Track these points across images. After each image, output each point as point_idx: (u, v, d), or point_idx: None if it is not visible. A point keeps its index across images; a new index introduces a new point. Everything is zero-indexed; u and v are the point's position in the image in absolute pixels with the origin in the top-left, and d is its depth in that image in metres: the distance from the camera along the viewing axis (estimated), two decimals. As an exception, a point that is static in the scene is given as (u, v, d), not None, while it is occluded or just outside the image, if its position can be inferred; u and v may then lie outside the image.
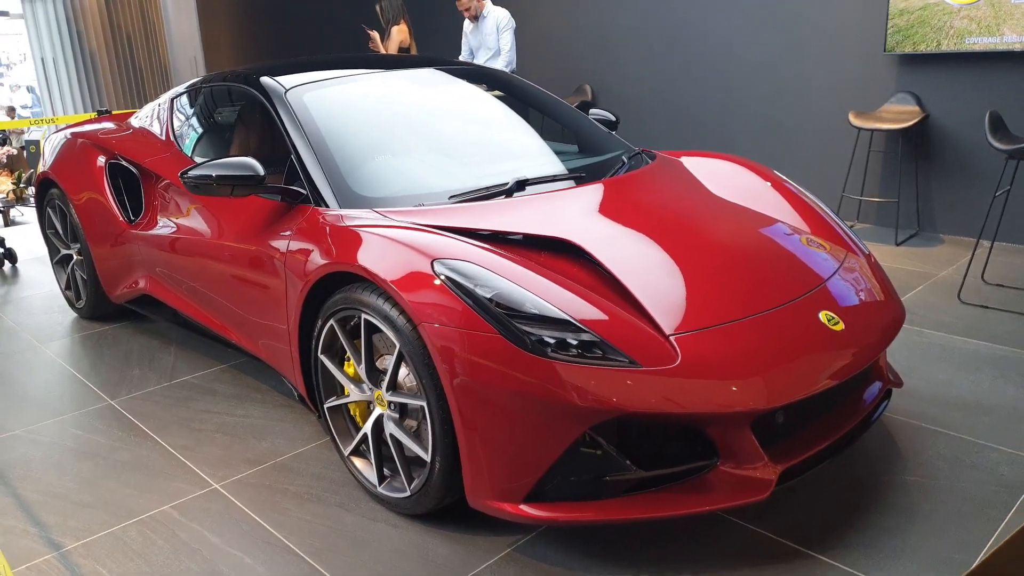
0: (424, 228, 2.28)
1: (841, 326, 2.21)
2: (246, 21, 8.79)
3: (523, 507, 2.00)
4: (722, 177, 2.99)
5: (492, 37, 5.90)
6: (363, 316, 2.22)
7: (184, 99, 3.62)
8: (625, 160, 3.03)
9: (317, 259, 2.37)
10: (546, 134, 3.44)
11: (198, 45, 8.35)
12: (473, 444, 2.00)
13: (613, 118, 3.66)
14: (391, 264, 2.14)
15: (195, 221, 3.13)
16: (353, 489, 2.47)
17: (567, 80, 6.79)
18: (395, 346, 2.15)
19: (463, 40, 6.16)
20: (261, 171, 2.53)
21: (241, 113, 3.36)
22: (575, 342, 1.95)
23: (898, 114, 4.91)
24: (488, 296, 2.00)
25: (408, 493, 2.23)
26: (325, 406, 2.50)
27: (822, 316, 2.22)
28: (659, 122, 6.27)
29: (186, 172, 2.57)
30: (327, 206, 2.53)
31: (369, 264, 2.17)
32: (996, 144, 3.66)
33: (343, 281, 2.32)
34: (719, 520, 2.24)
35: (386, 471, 2.36)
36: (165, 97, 3.75)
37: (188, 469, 2.63)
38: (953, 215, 4.99)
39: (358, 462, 2.44)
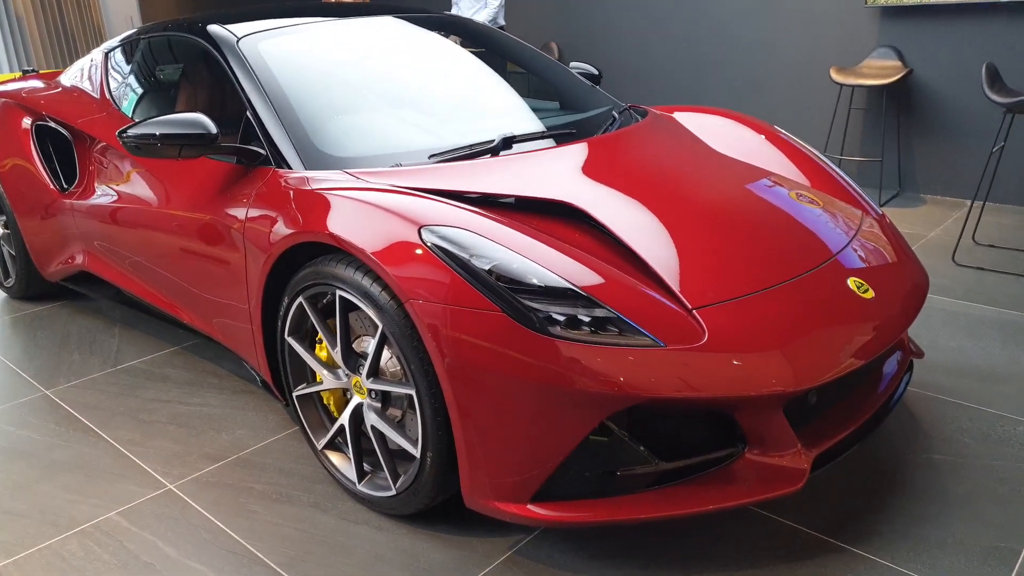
0: (406, 191, 1.99)
1: (871, 293, 2.00)
2: (186, -24, 8.22)
3: (531, 508, 1.75)
4: (721, 134, 2.75)
5: None
6: (338, 292, 1.93)
7: (119, 53, 3.23)
8: (616, 116, 2.76)
9: (281, 229, 2.07)
10: (524, 89, 3.16)
11: (134, 3, 7.79)
12: (471, 438, 1.75)
13: (596, 71, 3.39)
14: (370, 232, 1.85)
15: (138, 188, 2.78)
16: (328, 486, 2.20)
17: (531, 38, 6.43)
18: (375, 326, 1.87)
19: None
20: (213, 129, 2.20)
21: (186, 67, 3.00)
22: (588, 319, 1.70)
23: (880, 69, 4.72)
24: (486, 268, 1.73)
25: (393, 492, 1.97)
26: (294, 395, 2.21)
27: (851, 283, 2.00)
28: (629, 81, 5.99)
29: (125, 131, 2.23)
30: (290, 167, 2.21)
31: (344, 233, 1.88)
32: (993, 97, 3.49)
33: (312, 253, 2.03)
34: (740, 511, 2.03)
35: (366, 466, 2.09)
36: (98, 52, 3.34)
37: (137, 468, 2.33)
38: (936, 175, 4.85)
39: (334, 457, 2.17)
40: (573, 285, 1.73)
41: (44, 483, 2.27)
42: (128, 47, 3.19)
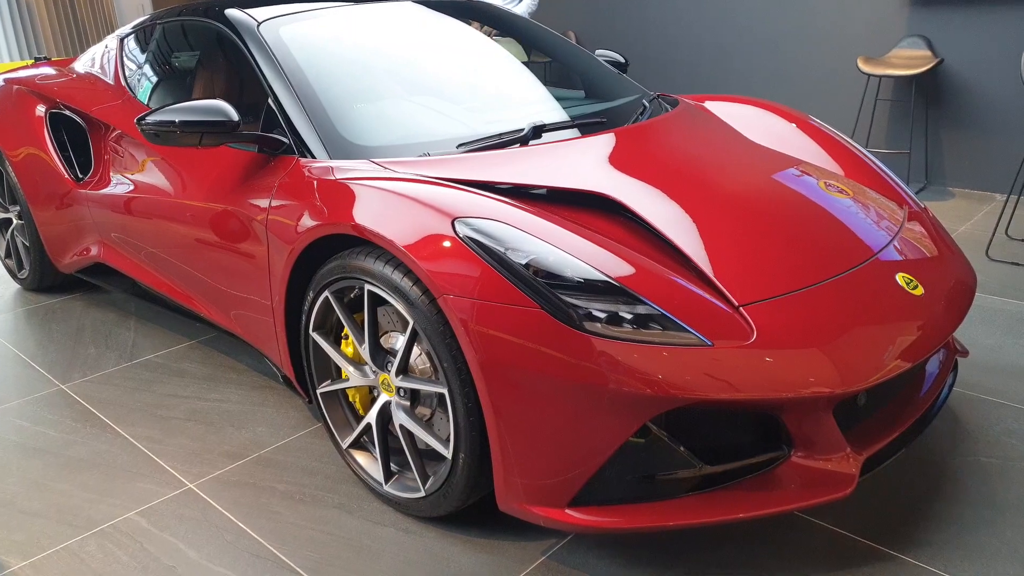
0: (436, 181, 1.91)
1: (921, 290, 1.91)
2: (198, -35, 8.14)
3: (569, 512, 1.68)
4: (755, 123, 2.65)
5: None
6: (366, 287, 1.86)
7: (134, 39, 3.15)
8: (646, 104, 2.67)
9: (306, 220, 1.99)
10: (551, 77, 3.08)
11: (146, -4, 7.73)
12: (506, 439, 1.67)
13: (622, 59, 3.30)
14: (400, 224, 1.77)
15: (155, 177, 2.70)
16: (353, 486, 2.13)
17: (549, 26, 6.36)
18: (405, 322, 1.80)
19: None
20: (235, 116, 2.13)
21: (203, 54, 2.92)
22: (630, 316, 1.62)
23: (909, 59, 4.61)
24: (523, 262, 1.65)
25: (423, 493, 1.89)
26: (318, 392, 2.14)
27: (899, 279, 1.91)
28: (653, 73, 5.89)
29: (144, 118, 2.15)
30: (313, 156, 2.13)
31: (372, 225, 1.80)
32: (1033, 88, 3.38)
33: (338, 245, 1.95)
34: (783, 517, 1.95)
35: (394, 467, 2.02)
36: (112, 38, 3.27)
37: (156, 466, 2.26)
38: (965, 168, 4.74)
39: (359, 456, 2.10)
40: (614, 280, 1.65)
41: (61, 482, 2.21)
42: (143, 33, 3.11)
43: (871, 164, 2.51)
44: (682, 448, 1.67)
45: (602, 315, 1.61)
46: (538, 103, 2.64)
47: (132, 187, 2.81)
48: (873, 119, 4.89)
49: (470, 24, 3.00)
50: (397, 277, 1.77)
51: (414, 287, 1.74)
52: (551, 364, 1.59)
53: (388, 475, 2.00)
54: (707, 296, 1.71)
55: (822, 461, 1.71)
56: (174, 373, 2.81)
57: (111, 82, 3.08)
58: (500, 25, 3.14)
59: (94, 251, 3.11)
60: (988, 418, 2.34)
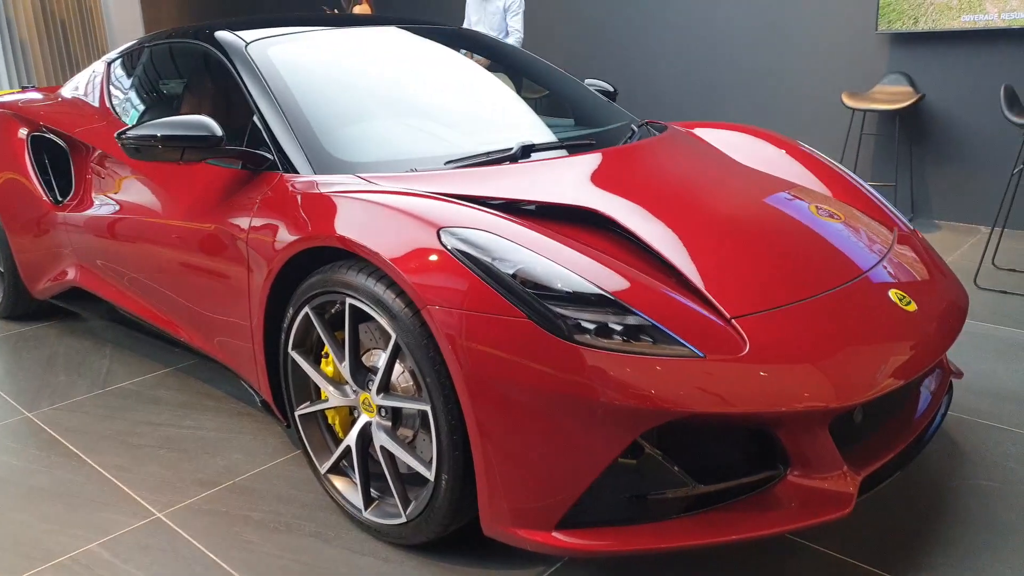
0: (422, 194, 1.86)
1: (914, 306, 1.87)
2: (192, 5, 8.20)
3: (557, 535, 1.60)
4: (744, 149, 2.64)
5: (498, 18, 5.46)
6: (348, 301, 1.79)
7: (121, 63, 3.12)
8: (634, 129, 2.66)
9: (287, 235, 1.94)
10: (541, 109, 3.07)
11: (139, 23, 7.76)
12: (491, 457, 1.60)
13: (611, 88, 3.30)
14: (384, 235, 1.72)
15: (135, 198, 2.65)
16: (331, 514, 2.03)
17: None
18: (387, 337, 1.73)
19: (466, 18, 5.68)
20: (218, 131, 2.08)
21: (191, 75, 2.89)
22: (620, 327, 1.57)
23: (892, 95, 4.66)
24: (510, 272, 1.60)
25: (404, 519, 1.81)
26: (296, 413, 2.06)
27: (892, 295, 1.88)
28: (638, 108, 5.91)
29: (124, 132, 2.11)
30: (298, 172, 2.09)
31: (355, 236, 1.75)
32: (1013, 119, 3.41)
33: (319, 262, 1.89)
34: (776, 541, 1.87)
35: (373, 492, 1.93)
36: (99, 63, 3.24)
37: (123, 495, 2.16)
38: (950, 200, 4.77)
39: (338, 482, 2.01)
40: (604, 291, 1.60)
41: (20, 512, 2.09)
42: (131, 56, 3.08)
43: (861, 188, 2.49)
44: (675, 467, 1.60)
45: (591, 326, 1.56)
46: (527, 126, 2.63)
47: (112, 208, 2.75)
48: (859, 153, 4.93)
49: (460, 51, 3.00)
50: (380, 289, 1.71)
51: (397, 299, 1.68)
52: (538, 377, 1.53)
53: (368, 501, 1.91)
54: (698, 308, 1.66)
55: (819, 480, 1.64)
56: (148, 400, 2.72)
57: (96, 105, 3.04)
58: (490, 53, 3.15)
59: (71, 275, 3.03)
60: (985, 442, 2.29)
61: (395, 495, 1.83)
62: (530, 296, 1.56)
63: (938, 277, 2.11)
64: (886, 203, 2.46)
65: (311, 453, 2.05)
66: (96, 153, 2.89)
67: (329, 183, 1.98)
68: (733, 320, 1.64)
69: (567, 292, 1.59)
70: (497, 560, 1.82)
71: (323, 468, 2.02)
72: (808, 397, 1.57)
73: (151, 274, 2.58)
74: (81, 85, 3.25)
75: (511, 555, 1.83)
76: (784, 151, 2.64)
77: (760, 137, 2.73)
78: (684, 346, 1.56)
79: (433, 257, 1.64)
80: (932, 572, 1.76)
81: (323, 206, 1.89)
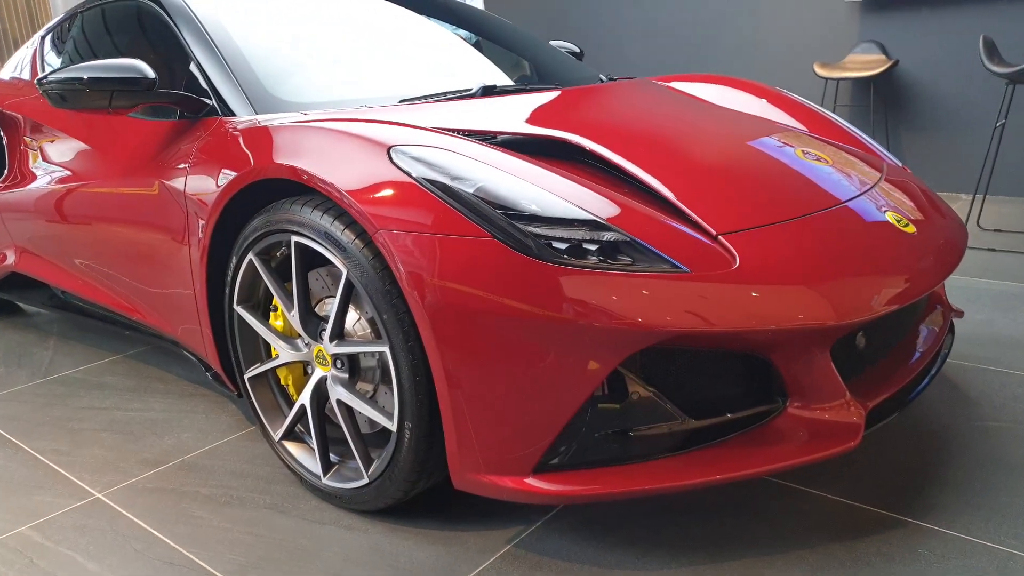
0: (372, 119, 1.70)
1: (912, 229, 1.73)
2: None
3: (531, 481, 1.43)
4: (726, 97, 2.49)
5: None
6: (294, 239, 1.62)
7: (55, 34, 2.93)
8: (603, 79, 2.52)
9: (226, 175, 1.76)
10: (501, 62, 2.92)
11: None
12: (458, 398, 1.42)
13: (577, 50, 3.16)
14: (328, 158, 1.55)
15: (72, 167, 2.46)
16: (289, 486, 1.85)
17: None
18: (340, 276, 1.55)
19: None
20: (151, 73, 1.91)
21: (126, 35, 2.68)
22: (595, 246, 1.40)
23: (864, 63, 4.58)
24: (470, 191, 1.44)
25: (366, 480, 1.63)
26: (246, 376, 1.87)
27: (890, 217, 1.74)
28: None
29: (46, 77, 1.93)
30: (239, 116, 1.92)
31: (296, 162, 1.57)
32: (994, 68, 3.32)
33: (265, 204, 1.72)
34: (775, 489, 1.72)
35: (333, 457, 1.75)
36: (36, 36, 3.05)
37: (60, 478, 1.96)
38: (930, 169, 4.68)
39: (294, 449, 1.82)
40: (576, 205, 1.44)
41: (-55, 498, 1.89)
42: (64, 25, 2.89)
43: (850, 131, 2.36)
44: (662, 399, 1.44)
45: (563, 246, 1.39)
46: (488, 72, 2.47)
47: (47, 181, 2.56)
48: (833, 126, 4.83)
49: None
50: (327, 222, 1.53)
51: (347, 230, 1.51)
52: (506, 302, 1.36)
53: (327, 467, 1.73)
54: (681, 227, 1.50)
55: (821, 411, 1.49)
56: (93, 387, 2.51)
57: (28, 78, 2.85)
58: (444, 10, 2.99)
59: (10, 259, 2.82)
60: (990, 385, 2.15)
61: (356, 455, 1.64)
62: (494, 214, 1.40)
63: (934, 205, 1.98)
64: (877, 145, 2.34)
65: (263, 419, 1.86)
66: (28, 126, 2.69)
67: (272, 120, 1.81)
68: (720, 237, 1.49)
69: (535, 210, 1.43)
70: (470, 523, 1.65)
71: (277, 435, 1.83)
72: (805, 315, 1.41)
73: (92, 247, 2.39)
74: (17, 64, 3.05)
75: (484, 518, 1.66)
76: (766, 99, 2.51)
77: (740, 87, 2.59)
78: (667, 262, 1.40)
79: (383, 178, 1.47)
80: (946, 511, 1.61)
81: (263, 138, 1.71)
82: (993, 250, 3.43)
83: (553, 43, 3.16)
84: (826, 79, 4.59)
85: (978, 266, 3.23)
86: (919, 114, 4.63)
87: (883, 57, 4.57)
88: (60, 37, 2.88)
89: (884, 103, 4.71)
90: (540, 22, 6.05)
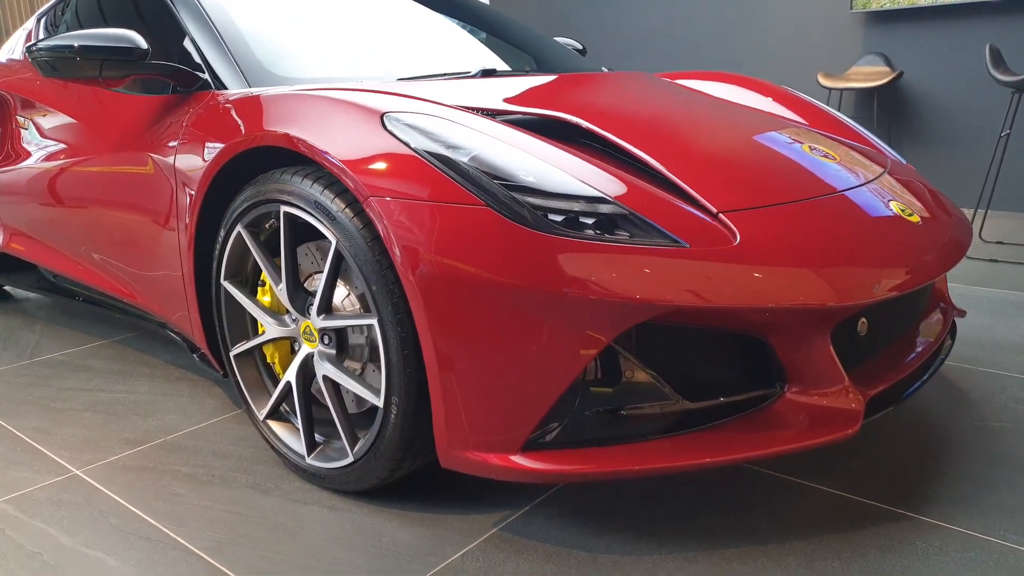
0: (367, 89, 1.67)
1: (917, 218, 1.70)
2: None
3: (518, 459, 1.38)
4: (733, 94, 2.47)
5: None
6: (282, 209, 1.58)
7: (52, 14, 2.91)
8: (604, 69, 2.49)
9: (216, 145, 1.72)
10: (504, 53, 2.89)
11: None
12: (447, 370, 1.38)
13: (580, 47, 3.14)
14: (322, 127, 1.52)
15: (63, 145, 2.42)
16: (272, 467, 1.80)
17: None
18: (330, 247, 1.52)
19: None
20: (143, 44, 1.88)
21: (119, 11, 2.66)
22: (592, 219, 1.37)
23: (868, 74, 4.57)
24: (464, 159, 1.40)
25: (351, 459, 1.58)
26: (232, 353, 1.83)
27: (894, 206, 1.70)
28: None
29: (36, 45, 1.90)
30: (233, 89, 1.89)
31: (291, 130, 1.54)
32: (999, 77, 3.30)
33: (254, 177, 1.68)
34: (772, 481, 1.67)
35: (318, 437, 1.71)
36: (32, 19, 3.03)
37: (39, 454, 1.91)
38: (930, 179, 4.64)
39: (279, 428, 1.78)
40: (573, 176, 1.41)
41: (-81, 472, 1.84)
42: (60, 5, 2.87)
43: (855, 128, 2.33)
44: (657, 379, 1.40)
45: (560, 217, 1.36)
46: (488, 58, 2.44)
47: (38, 159, 2.52)
48: (835, 137, 4.82)
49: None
50: (317, 191, 1.50)
51: (336, 199, 1.47)
52: (500, 273, 1.32)
53: (312, 447, 1.68)
54: (681, 204, 1.47)
55: (820, 396, 1.45)
56: (78, 369, 2.47)
57: (20, 58, 2.82)
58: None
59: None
60: (991, 388, 2.11)
61: (342, 433, 1.60)
62: (489, 181, 1.37)
63: (938, 199, 1.95)
64: (882, 143, 2.31)
65: (248, 397, 1.82)
66: (19, 104, 2.66)
67: (265, 90, 1.78)
68: (720, 215, 1.46)
69: (532, 182, 1.39)
70: (456, 506, 1.60)
71: (262, 413, 1.79)
72: (805, 295, 1.38)
73: (82, 225, 2.35)
74: (12, 46, 3.03)
75: (471, 502, 1.61)
76: (772, 97, 2.48)
77: (746, 84, 2.56)
78: (666, 236, 1.36)
79: (375, 144, 1.44)
80: (948, 505, 1.56)
81: (255, 107, 1.68)
82: (995, 260, 3.40)
83: (557, 39, 3.15)
84: (830, 90, 4.58)
85: (979, 276, 3.20)
86: (922, 126, 4.62)
87: (887, 69, 4.56)
88: (55, 17, 2.85)
89: (887, 115, 4.70)
90: (544, 29, 6.05)
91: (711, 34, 5.29)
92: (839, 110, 4.79)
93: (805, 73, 4.86)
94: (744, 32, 5.15)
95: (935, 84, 4.51)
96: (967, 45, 4.34)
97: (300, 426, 1.69)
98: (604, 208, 1.38)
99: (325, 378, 1.61)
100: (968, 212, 4.37)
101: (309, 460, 1.67)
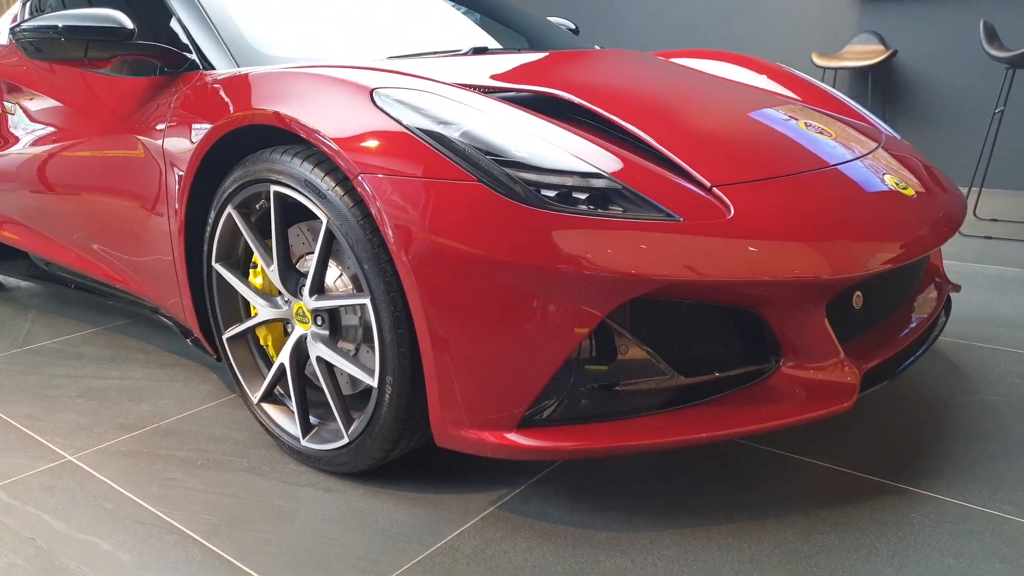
0: (356, 66, 1.65)
1: (911, 192, 1.69)
2: None
3: (513, 436, 1.37)
4: (727, 71, 2.45)
5: None
6: (273, 189, 1.57)
7: (35, 2, 2.87)
8: (597, 47, 2.47)
9: (204, 126, 1.70)
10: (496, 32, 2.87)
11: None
12: (442, 350, 1.37)
13: (573, 26, 3.12)
14: (312, 104, 1.50)
15: (50, 129, 2.39)
16: (267, 450, 1.79)
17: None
18: (320, 226, 1.50)
19: None
20: (129, 24, 1.85)
21: None
22: (585, 194, 1.36)
23: (862, 53, 4.55)
24: (455, 135, 1.39)
25: (346, 440, 1.57)
26: (224, 336, 1.82)
27: (888, 179, 1.69)
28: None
29: (19, 26, 1.87)
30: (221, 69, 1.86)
31: (281, 108, 1.52)
32: (993, 53, 3.28)
33: (242, 156, 1.67)
34: (768, 456, 1.67)
35: (313, 419, 1.70)
36: (17, 3, 2.99)
37: (32, 441, 1.90)
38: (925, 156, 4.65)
39: (273, 411, 1.77)
40: (566, 151, 1.40)
41: (-89, 459, 1.83)
42: (48, -9, 2.83)
43: (849, 104, 2.32)
44: (652, 355, 1.39)
45: (553, 193, 1.35)
46: (479, 37, 2.42)
47: (27, 144, 2.49)
48: (829, 117, 4.80)
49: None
50: (307, 169, 1.48)
51: (327, 177, 1.46)
52: (492, 248, 1.31)
53: (306, 428, 1.68)
54: (675, 178, 1.45)
55: (815, 370, 1.44)
56: (71, 356, 2.45)
57: (5, 43, 2.79)
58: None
59: (-13, 229, 2.76)
60: (987, 362, 2.11)
61: (336, 414, 1.59)
62: (481, 157, 1.35)
63: (932, 173, 1.94)
64: (876, 119, 2.29)
65: (241, 380, 1.81)
66: (5, 89, 2.63)
67: (253, 69, 1.75)
68: (714, 188, 1.44)
69: (524, 157, 1.38)
70: (452, 486, 1.60)
71: (256, 396, 1.78)
72: (800, 267, 1.37)
73: (71, 211, 2.33)
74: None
75: (468, 482, 1.61)
76: (766, 75, 2.46)
77: (740, 62, 2.53)
78: (660, 210, 1.35)
79: (365, 121, 1.42)
80: (942, 479, 1.56)
81: (243, 86, 1.66)
82: (990, 238, 3.40)
83: (550, 19, 3.12)
84: (824, 69, 4.56)
85: (974, 252, 3.20)
86: (917, 105, 4.60)
87: (881, 47, 4.54)
88: (39, 5, 2.82)
89: (882, 93, 4.69)
90: (538, 10, 6.00)
91: (706, 14, 5.26)
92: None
93: (800, 53, 4.84)
94: (739, 12, 5.11)
95: (930, 62, 4.49)
96: (961, 23, 4.32)
97: (295, 408, 1.68)
98: (597, 183, 1.37)
99: (319, 359, 1.60)
100: (963, 190, 4.37)
101: (304, 442, 1.67)
